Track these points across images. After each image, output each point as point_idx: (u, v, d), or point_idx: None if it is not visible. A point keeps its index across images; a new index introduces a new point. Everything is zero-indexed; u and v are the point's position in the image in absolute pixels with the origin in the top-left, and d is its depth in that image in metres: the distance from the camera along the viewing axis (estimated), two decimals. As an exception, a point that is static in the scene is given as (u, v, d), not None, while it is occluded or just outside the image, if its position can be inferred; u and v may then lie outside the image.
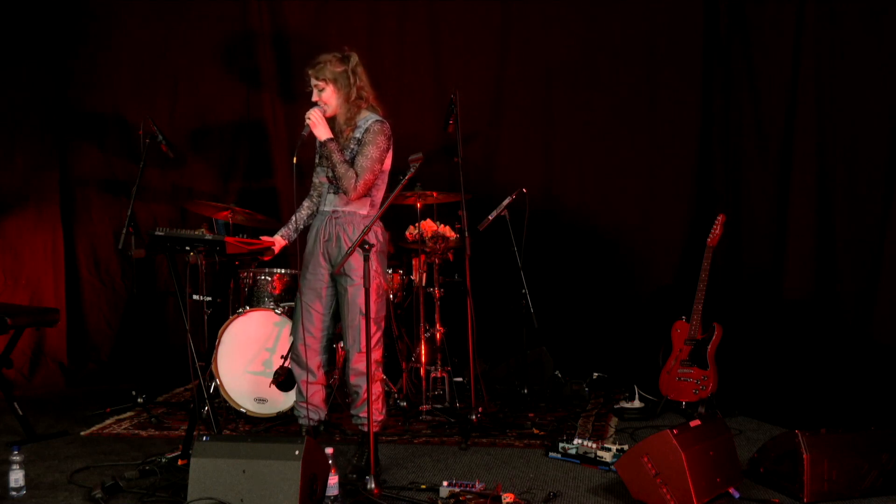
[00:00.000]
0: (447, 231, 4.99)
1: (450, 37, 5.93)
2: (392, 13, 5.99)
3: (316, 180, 4.04)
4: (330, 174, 3.89)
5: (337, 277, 3.91)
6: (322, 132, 3.83)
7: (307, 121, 3.83)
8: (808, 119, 5.08)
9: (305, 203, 4.11)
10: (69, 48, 6.20)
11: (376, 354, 3.90)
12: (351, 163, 3.83)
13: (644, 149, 5.68)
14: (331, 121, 3.90)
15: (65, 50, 6.19)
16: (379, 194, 3.95)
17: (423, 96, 5.95)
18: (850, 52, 4.96)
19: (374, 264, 3.80)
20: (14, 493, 3.59)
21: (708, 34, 5.48)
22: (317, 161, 4.02)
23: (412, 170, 3.71)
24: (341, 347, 4.37)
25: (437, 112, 5.68)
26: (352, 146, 3.86)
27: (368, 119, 3.88)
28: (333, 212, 3.91)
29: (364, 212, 3.91)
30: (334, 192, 3.91)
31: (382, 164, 3.89)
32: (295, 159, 3.79)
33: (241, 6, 6.14)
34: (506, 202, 4.95)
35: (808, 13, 5.04)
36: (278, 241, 4.04)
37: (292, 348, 4.08)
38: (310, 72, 3.88)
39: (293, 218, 4.09)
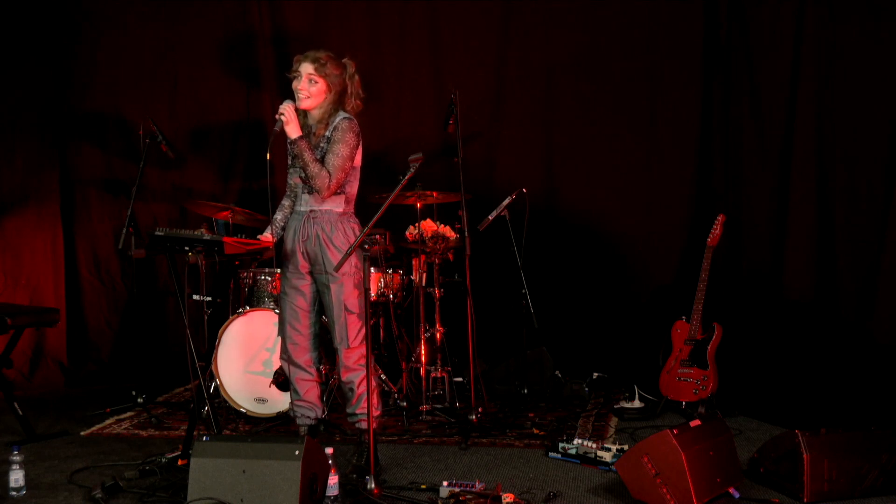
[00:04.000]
0: (447, 231, 4.99)
1: (450, 37, 5.93)
2: (392, 13, 5.99)
3: (291, 181, 4.03)
4: (302, 174, 3.89)
5: (317, 275, 3.92)
6: (293, 130, 3.81)
7: (280, 116, 3.79)
8: (808, 119, 5.08)
9: (286, 202, 4.12)
10: (69, 48, 6.19)
11: (363, 349, 3.89)
12: (322, 162, 3.83)
13: (644, 148, 5.68)
14: (300, 116, 3.88)
15: (64, 50, 6.19)
16: (352, 190, 3.96)
17: (423, 96, 5.95)
18: (849, 51, 4.96)
19: (353, 260, 3.82)
20: (14, 493, 3.59)
21: (708, 34, 5.48)
22: (289, 162, 4.02)
23: (412, 170, 3.71)
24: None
25: (437, 112, 5.68)
26: (322, 145, 3.86)
27: (337, 117, 3.88)
28: (311, 211, 3.91)
29: (340, 209, 3.92)
30: (308, 192, 3.91)
31: (353, 161, 3.89)
32: (269, 155, 3.77)
33: (242, 6, 6.14)
34: (506, 202, 4.95)
35: (807, 13, 5.04)
36: (268, 238, 4.05)
37: (281, 347, 4.08)
38: (309, 61, 3.86)
39: (276, 217, 4.10)
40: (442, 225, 5.01)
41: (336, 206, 3.91)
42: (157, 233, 3.83)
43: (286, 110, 3.80)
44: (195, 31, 6.19)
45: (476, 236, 4.74)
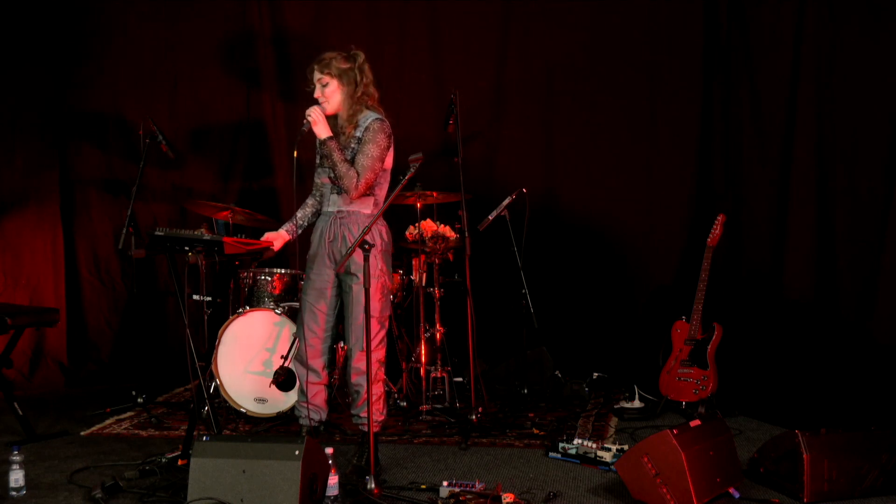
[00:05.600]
0: (447, 231, 4.99)
1: (450, 37, 5.93)
2: (392, 13, 5.99)
3: (318, 181, 4.05)
4: (331, 174, 3.90)
5: (342, 277, 3.92)
6: (322, 130, 3.83)
7: (307, 118, 3.83)
8: (808, 119, 5.08)
9: (309, 202, 4.13)
10: (69, 48, 6.19)
11: (379, 354, 3.90)
12: (351, 162, 3.83)
13: (644, 148, 5.68)
14: (331, 120, 3.91)
15: (64, 50, 6.18)
16: (382, 192, 3.96)
17: (423, 96, 5.95)
18: (849, 51, 4.96)
19: (378, 263, 3.82)
20: (14, 493, 3.59)
21: (708, 34, 5.48)
22: (317, 162, 4.03)
23: (412, 170, 3.71)
24: (341, 347, 4.37)
25: (437, 112, 5.68)
26: (352, 145, 3.87)
27: (368, 117, 3.89)
28: (338, 212, 3.92)
29: (368, 211, 3.92)
30: (337, 193, 3.92)
31: (383, 163, 3.89)
32: (296, 153, 3.81)
33: (242, 6, 6.14)
34: (506, 202, 4.95)
35: (807, 13, 5.04)
36: (282, 235, 4.06)
37: (297, 348, 4.08)
38: (315, 67, 3.89)
39: (297, 215, 4.10)
40: (442, 225, 5.01)
41: (364, 207, 3.91)
42: (157, 233, 3.83)
43: (313, 112, 3.83)
44: (195, 31, 6.19)
45: (476, 236, 4.74)
